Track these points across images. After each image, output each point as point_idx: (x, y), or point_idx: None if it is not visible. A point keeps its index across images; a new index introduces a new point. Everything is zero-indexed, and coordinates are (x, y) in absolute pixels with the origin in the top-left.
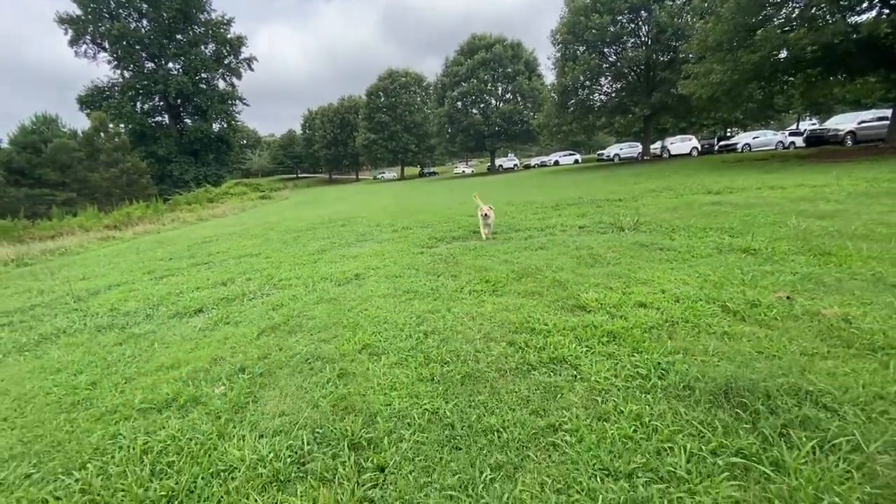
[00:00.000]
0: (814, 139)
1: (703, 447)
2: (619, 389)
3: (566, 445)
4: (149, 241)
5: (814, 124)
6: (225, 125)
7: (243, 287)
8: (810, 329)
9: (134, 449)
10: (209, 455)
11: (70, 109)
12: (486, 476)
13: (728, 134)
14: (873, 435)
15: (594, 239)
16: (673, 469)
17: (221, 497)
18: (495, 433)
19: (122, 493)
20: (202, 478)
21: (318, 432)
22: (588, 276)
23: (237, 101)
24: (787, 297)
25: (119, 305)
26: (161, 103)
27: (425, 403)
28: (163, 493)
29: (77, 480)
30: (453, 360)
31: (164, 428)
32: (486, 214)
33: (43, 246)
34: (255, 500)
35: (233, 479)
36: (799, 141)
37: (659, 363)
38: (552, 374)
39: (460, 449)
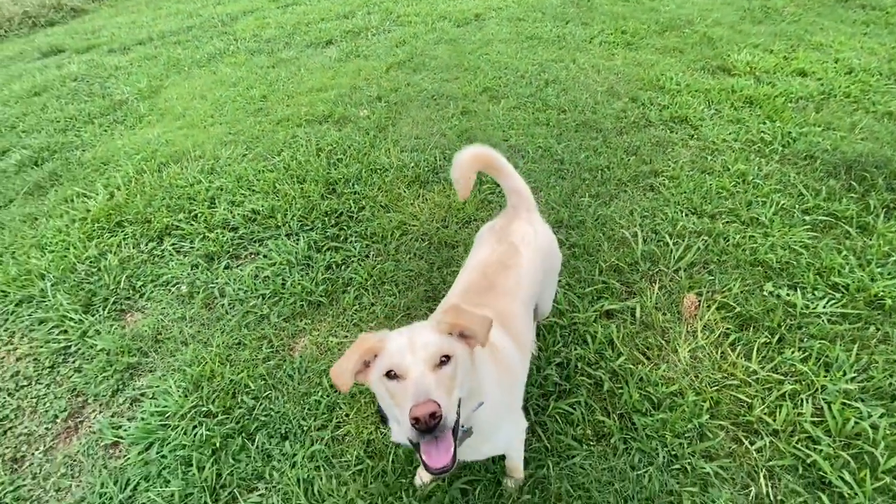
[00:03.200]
0: None
1: (797, 206)
2: (733, 151)
3: (662, 188)
4: None
5: None
6: None
7: (365, 21)
8: None
9: (310, 147)
10: (366, 157)
11: None
12: (585, 200)
13: None
14: None
15: None
16: (757, 216)
17: (381, 185)
18: (599, 171)
19: (312, 172)
20: (364, 171)
21: (446, 153)
22: (748, 34)
23: None
24: None
25: (259, 32)
26: None
27: (539, 142)
28: (339, 176)
29: (280, 161)
30: (571, 109)
31: (327, 135)
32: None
33: None
34: (405, 190)
35: (386, 175)
36: None
37: (790, 132)
38: (669, 131)
39: (565, 178)
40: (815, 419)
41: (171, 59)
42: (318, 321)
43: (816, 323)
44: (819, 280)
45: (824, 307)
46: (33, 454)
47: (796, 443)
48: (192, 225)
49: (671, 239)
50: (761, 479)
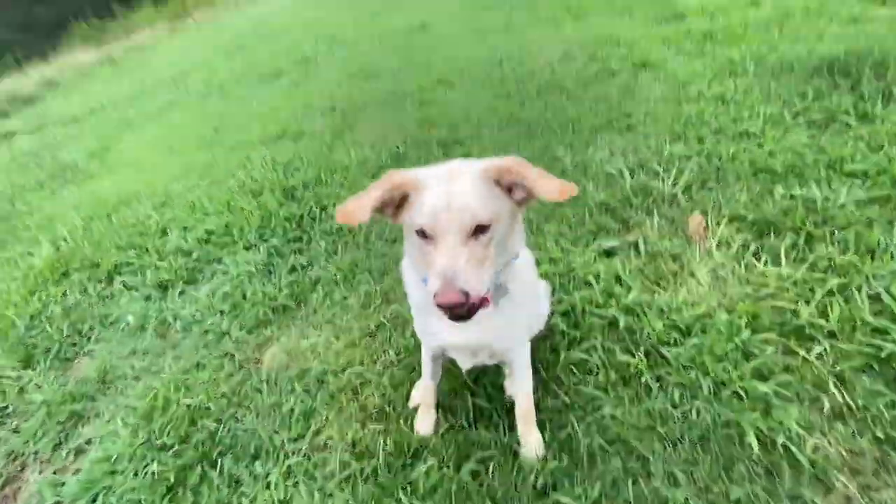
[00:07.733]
0: None
1: (786, 112)
2: (704, 79)
3: (640, 125)
4: (208, 27)
5: None
6: None
7: (313, 49)
8: None
9: (266, 163)
10: (325, 160)
11: None
12: (559, 151)
13: None
14: None
15: None
16: (746, 130)
17: (342, 182)
18: (570, 124)
19: (270, 182)
20: (324, 173)
21: (408, 139)
22: None
23: None
24: None
25: (210, 78)
26: None
27: (502, 112)
28: (297, 182)
29: (234, 181)
30: (528, 78)
31: (283, 150)
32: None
33: (124, 44)
34: (369, 182)
35: (347, 172)
36: None
37: (758, 52)
38: (635, 76)
39: (535, 138)
40: (875, 309)
41: (122, 119)
42: (286, 326)
43: (843, 213)
44: (832, 172)
45: (846, 196)
46: None
47: (861, 338)
48: (142, 258)
49: (660, 166)
50: (831, 388)
